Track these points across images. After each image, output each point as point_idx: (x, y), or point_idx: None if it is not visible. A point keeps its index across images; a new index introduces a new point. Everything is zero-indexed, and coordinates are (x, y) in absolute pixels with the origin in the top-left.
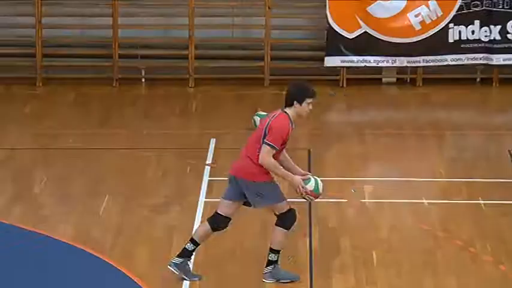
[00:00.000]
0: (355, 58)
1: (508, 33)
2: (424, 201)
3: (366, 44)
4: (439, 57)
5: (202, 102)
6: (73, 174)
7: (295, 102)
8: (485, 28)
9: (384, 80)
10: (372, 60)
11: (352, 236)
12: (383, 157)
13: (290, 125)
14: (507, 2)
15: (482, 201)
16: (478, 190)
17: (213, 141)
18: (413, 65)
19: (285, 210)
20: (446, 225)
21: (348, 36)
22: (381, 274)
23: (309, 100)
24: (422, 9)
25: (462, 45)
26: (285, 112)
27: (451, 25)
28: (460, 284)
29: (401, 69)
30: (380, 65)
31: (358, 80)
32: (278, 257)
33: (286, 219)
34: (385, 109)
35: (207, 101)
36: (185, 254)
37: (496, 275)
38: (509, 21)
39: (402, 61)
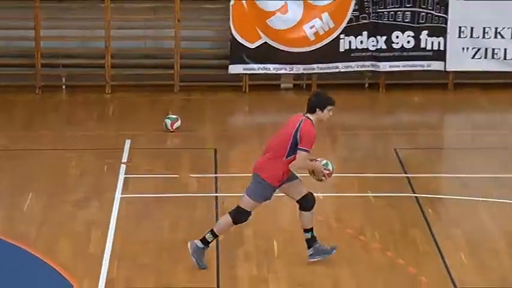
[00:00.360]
0: (256, 66)
1: (392, 42)
2: (319, 194)
3: (265, 53)
4: (331, 64)
5: (118, 107)
6: (0, 174)
7: (317, 109)
8: (372, 38)
9: (282, 85)
10: (271, 68)
11: (255, 227)
12: None
13: (315, 129)
14: (391, 15)
15: (371, 194)
16: (368, 184)
17: (128, 142)
18: (309, 72)
19: (247, 209)
20: (339, 216)
21: (250, 46)
22: (281, 263)
23: (329, 107)
24: (316, 22)
25: (352, 54)
26: (308, 117)
27: (342, 36)
28: (352, 271)
29: (297, 76)
30: (279, 72)
31: (259, 86)
32: (212, 240)
33: (240, 216)
34: (284, 112)
35: (122, 106)
36: (310, 243)
37: (384, 261)
38: (393, 32)
39: (299, 68)
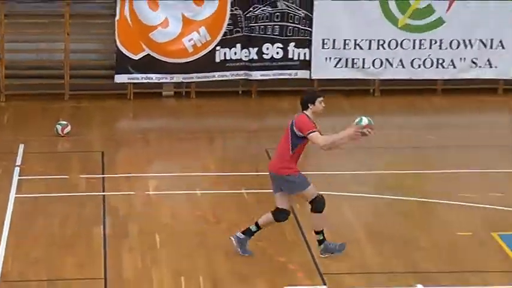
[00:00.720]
0: (139, 76)
1: (263, 53)
2: (198, 192)
3: (148, 64)
4: (208, 74)
5: (13, 114)
6: None
7: (309, 104)
8: (245, 50)
9: (163, 93)
10: (153, 77)
11: (139, 223)
12: (164, 157)
13: (308, 118)
14: (262, 29)
15: (245, 191)
16: (241, 181)
17: (21, 146)
18: (188, 80)
19: (312, 196)
20: (216, 211)
21: (134, 58)
22: (164, 254)
23: (319, 99)
24: (194, 35)
25: (227, 64)
26: (303, 112)
27: (217, 48)
28: (228, 260)
29: (178, 85)
30: (160, 81)
31: (142, 93)
32: (320, 232)
33: (317, 205)
34: (166, 117)
35: (16, 113)
36: (247, 233)
37: (256, 250)
38: (264, 44)
39: (179, 77)
